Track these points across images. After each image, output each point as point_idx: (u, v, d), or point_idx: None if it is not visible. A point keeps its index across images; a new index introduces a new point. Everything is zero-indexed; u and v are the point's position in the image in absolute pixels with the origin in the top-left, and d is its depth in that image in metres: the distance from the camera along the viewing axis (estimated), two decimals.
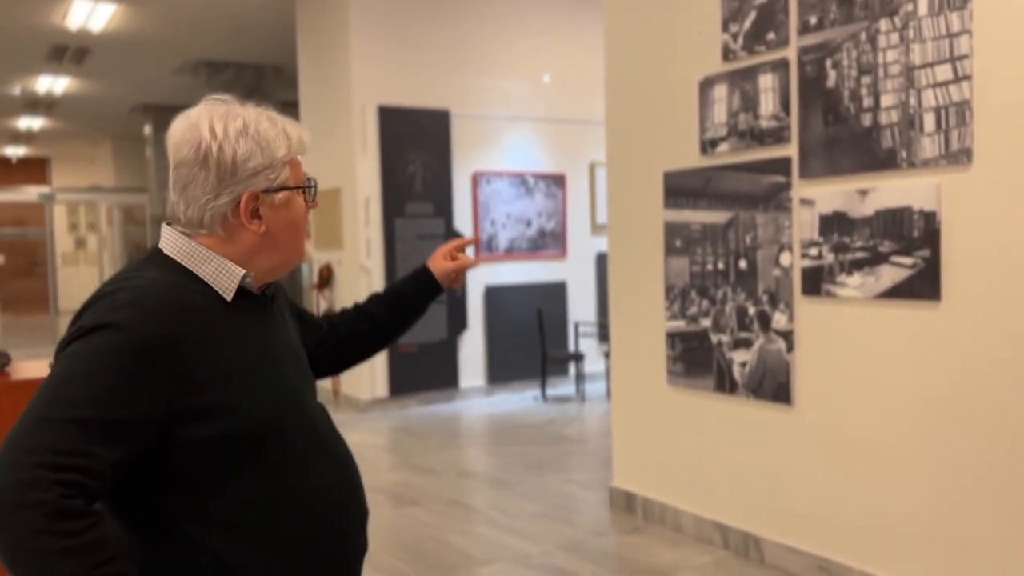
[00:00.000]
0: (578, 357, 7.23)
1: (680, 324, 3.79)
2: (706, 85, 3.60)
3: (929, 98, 2.77)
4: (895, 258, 2.89)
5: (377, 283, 6.74)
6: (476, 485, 4.79)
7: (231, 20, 8.57)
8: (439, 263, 1.74)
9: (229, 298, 1.26)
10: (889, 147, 2.89)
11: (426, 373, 6.99)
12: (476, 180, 7.23)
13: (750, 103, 3.41)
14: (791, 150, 3.25)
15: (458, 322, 7.14)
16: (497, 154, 7.36)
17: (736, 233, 3.50)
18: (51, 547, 1.01)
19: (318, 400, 1.43)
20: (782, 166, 3.28)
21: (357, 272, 6.74)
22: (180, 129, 1.25)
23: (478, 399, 7.20)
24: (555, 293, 7.67)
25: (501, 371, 7.40)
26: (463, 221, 7.17)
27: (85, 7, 7.80)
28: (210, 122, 1.24)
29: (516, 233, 7.47)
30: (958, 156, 2.70)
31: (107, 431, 1.08)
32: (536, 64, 7.46)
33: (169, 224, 1.29)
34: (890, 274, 2.91)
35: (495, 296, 7.33)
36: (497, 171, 7.35)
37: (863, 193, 2.98)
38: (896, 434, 2.93)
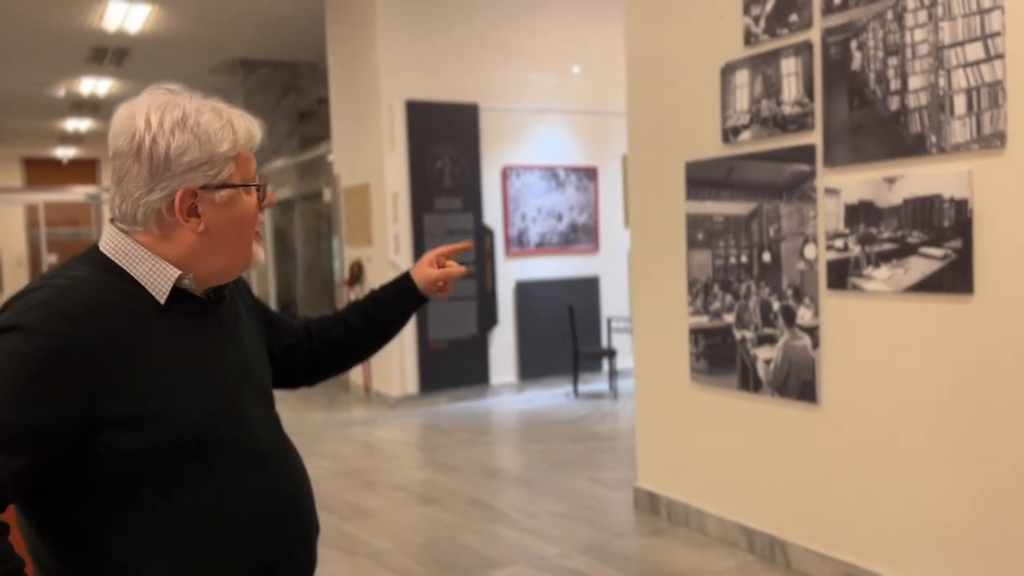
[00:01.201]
0: (611, 353, 7.11)
1: (703, 320, 3.66)
2: (728, 71, 3.46)
3: (960, 79, 2.60)
4: (925, 249, 2.73)
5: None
6: (499, 483, 4.71)
7: (263, 18, 8.62)
8: (423, 270, 1.60)
9: (162, 300, 1.18)
10: (918, 132, 2.73)
11: (456, 369, 6.94)
12: (506, 174, 7.15)
13: (773, 89, 3.26)
14: (815, 137, 3.10)
15: (489, 318, 7.07)
16: (527, 147, 7.26)
17: (759, 225, 3.36)
18: None
19: (272, 409, 1.35)
20: (806, 154, 3.13)
21: (386, 268, 6.71)
22: (119, 119, 1.19)
23: (509, 396, 7.13)
24: (588, 288, 7.55)
25: (533, 367, 7.31)
26: (493, 216, 7.09)
27: (121, 8, 7.91)
28: (147, 112, 1.17)
29: (547, 227, 7.37)
30: (991, 140, 2.53)
31: (11, 438, 1.02)
32: (565, 55, 7.34)
33: (112, 221, 1.22)
34: (920, 266, 2.75)
35: (526, 291, 7.24)
36: (527, 164, 7.25)
37: (891, 181, 2.82)
38: (927, 435, 2.77)
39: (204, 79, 11.24)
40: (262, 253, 1.30)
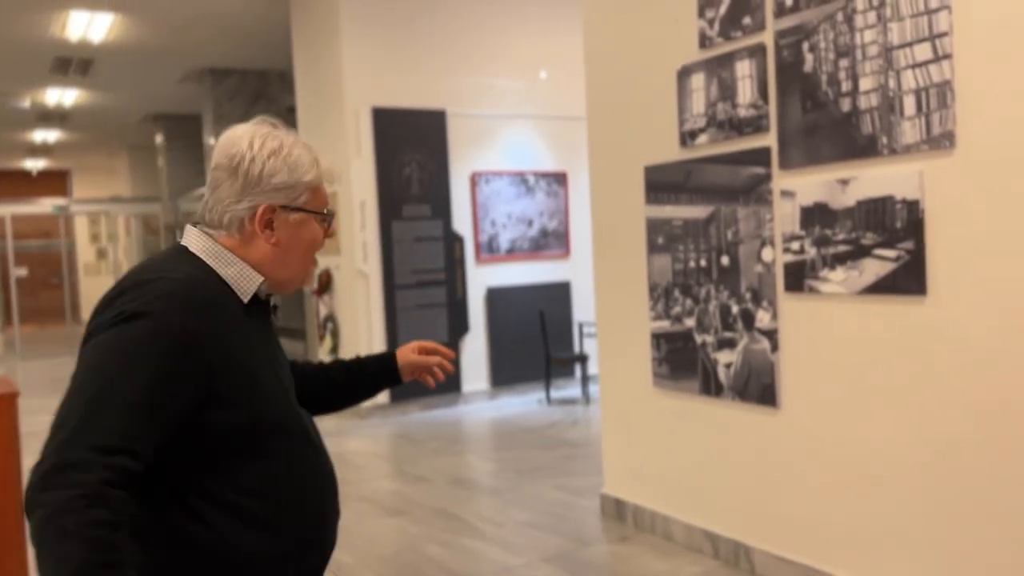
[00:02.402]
0: (582, 358, 7.08)
1: (664, 324, 3.63)
2: (684, 74, 3.44)
3: (909, 80, 2.60)
4: (878, 251, 2.72)
5: (375, 288, 6.66)
6: (467, 493, 4.66)
7: (230, 26, 8.55)
8: (407, 354, 1.74)
9: (246, 300, 1.37)
10: (869, 133, 2.72)
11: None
12: (475, 180, 7.11)
13: (728, 92, 3.25)
14: (770, 139, 3.09)
15: (459, 325, 7.02)
16: (496, 153, 7.23)
17: (717, 228, 3.35)
18: (70, 527, 1.06)
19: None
20: (761, 156, 3.12)
21: (355, 277, 6.65)
22: (226, 138, 1.39)
23: (481, 403, 7.08)
24: (559, 293, 7.53)
25: (505, 374, 7.27)
26: (462, 222, 7.05)
27: (83, 18, 7.80)
28: (251, 138, 1.37)
29: (517, 233, 7.34)
30: (940, 140, 2.52)
31: (153, 416, 1.18)
32: (532, 60, 7.33)
33: (195, 225, 1.40)
34: (874, 268, 2.74)
35: (497, 298, 7.20)
36: (496, 170, 7.22)
37: (844, 183, 2.82)
38: (886, 437, 2.76)
39: (173, 88, 11.13)
40: (313, 277, 1.52)
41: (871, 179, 2.73)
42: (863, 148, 2.74)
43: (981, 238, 2.45)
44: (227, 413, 1.28)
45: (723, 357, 3.35)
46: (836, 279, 2.87)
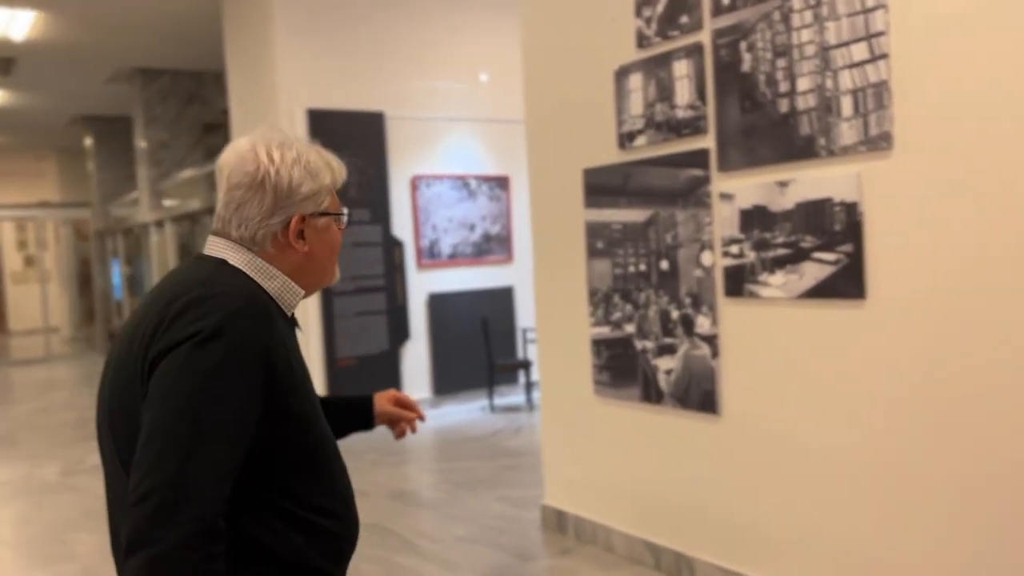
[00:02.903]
0: (526, 364, 6.98)
1: (604, 330, 3.55)
2: (621, 75, 3.37)
3: (846, 80, 2.55)
4: (817, 254, 2.67)
5: (311, 295, 6.44)
6: (405, 507, 4.51)
7: (160, 25, 8.25)
8: (384, 403, 1.75)
9: (290, 314, 1.39)
10: (807, 134, 2.67)
11: (367, 386, 6.69)
12: (415, 184, 6.96)
13: (666, 92, 3.17)
14: (709, 141, 3.02)
15: (400, 332, 6.86)
16: (436, 157, 7.09)
17: (657, 232, 3.27)
18: (190, 566, 1.11)
19: None
20: (700, 158, 3.05)
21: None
22: (235, 154, 1.36)
23: (424, 411, 6.91)
24: (502, 299, 7.42)
25: (447, 382, 7.13)
26: (402, 227, 6.90)
27: (2, 15, 7.44)
28: (267, 149, 1.35)
29: (459, 238, 7.21)
30: (878, 142, 2.48)
31: (235, 433, 1.20)
32: (474, 63, 7.21)
33: (217, 236, 1.37)
34: (813, 272, 2.69)
35: (439, 304, 7.06)
36: (437, 174, 7.09)
37: (783, 185, 2.76)
38: (828, 443, 2.71)
39: (101, 89, 10.73)
40: (338, 272, 1.51)
41: (809, 181, 2.67)
42: (801, 149, 2.69)
43: (919, 241, 2.41)
44: (297, 426, 1.30)
45: (663, 364, 3.27)
46: (776, 283, 2.81)
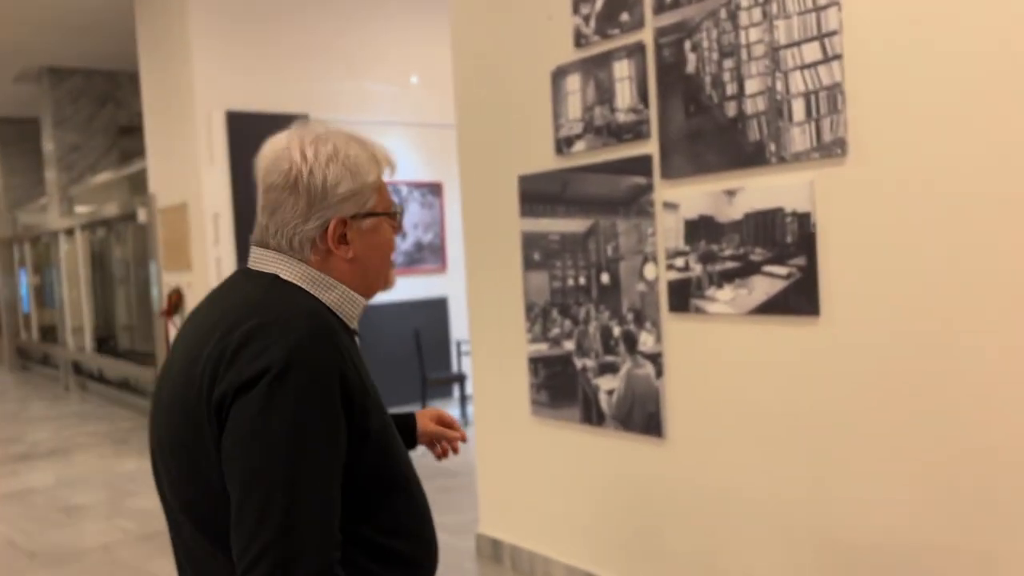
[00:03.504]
0: (461, 378, 6.73)
1: (542, 347, 3.33)
2: (558, 76, 3.16)
3: (797, 82, 2.39)
4: (768, 267, 2.50)
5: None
6: None
7: (70, 21, 7.76)
8: (426, 422, 1.67)
9: (354, 325, 1.29)
10: (757, 140, 2.50)
11: None
12: None
13: (606, 95, 2.98)
14: (651, 147, 2.84)
15: None
16: None
17: (597, 243, 3.07)
18: None
19: None
20: (642, 165, 2.87)
21: None
22: (270, 151, 1.27)
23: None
24: (435, 310, 7.16)
25: None
26: None
27: None
28: (301, 146, 1.25)
29: None
30: (831, 148, 2.32)
31: (338, 473, 1.13)
32: (405, 64, 6.95)
33: (259, 246, 1.27)
34: (763, 286, 2.52)
35: (369, 315, 6.73)
36: None
37: (730, 194, 2.59)
38: (776, 468, 2.54)
39: (7, 89, 10.09)
40: (394, 276, 1.38)
41: (759, 190, 2.51)
42: (750, 156, 2.52)
43: (876, 253, 2.26)
44: (374, 449, 1.21)
45: (605, 383, 3.07)
46: (723, 298, 2.63)
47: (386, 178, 1.34)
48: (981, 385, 2.07)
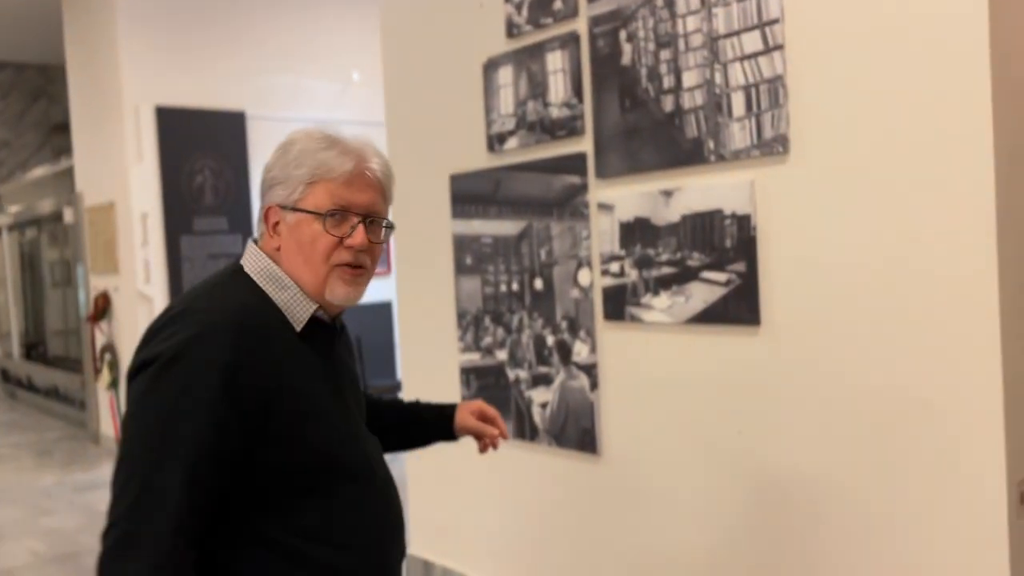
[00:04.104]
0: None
1: (474, 357, 3.13)
2: (490, 68, 2.97)
3: (737, 74, 2.23)
4: (706, 274, 2.33)
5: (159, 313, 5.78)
6: None
7: None
8: (466, 416, 1.69)
9: (298, 328, 1.29)
10: (694, 136, 2.33)
11: None
12: None
13: (539, 88, 2.79)
14: (586, 144, 2.66)
15: None
16: None
17: (530, 247, 2.88)
18: None
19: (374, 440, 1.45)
20: (576, 164, 2.68)
21: (136, 301, 5.75)
22: None
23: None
24: (379, 315, 6.92)
25: None
26: None
27: None
28: (291, 135, 1.37)
29: None
30: (772, 145, 2.16)
31: (211, 467, 1.16)
32: (345, 60, 6.70)
33: (255, 241, 1.36)
34: (701, 293, 2.35)
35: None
36: None
37: (667, 194, 2.41)
38: (719, 486, 2.37)
39: None
40: (345, 291, 1.32)
41: (697, 190, 2.34)
42: (688, 154, 2.35)
43: (820, 259, 2.10)
44: (278, 451, 1.22)
45: (538, 396, 2.88)
46: (660, 306, 2.46)
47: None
48: (927, 399, 1.92)
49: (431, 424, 1.70)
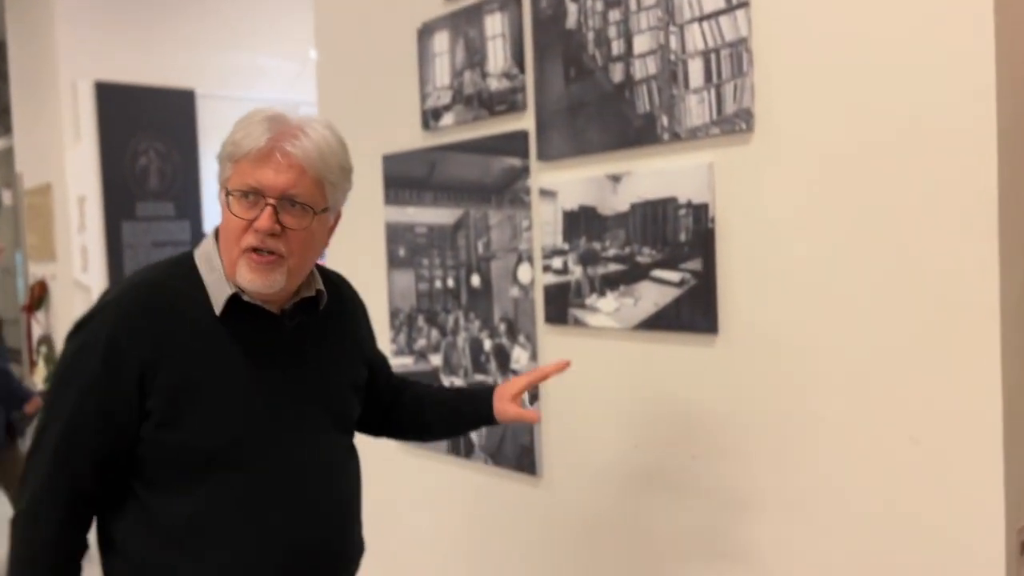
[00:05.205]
0: None
1: (407, 361, 2.79)
2: (425, 34, 2.62)
3: (695, 37, 1.89)
4: (657, 272, 2.00)
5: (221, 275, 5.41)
6: None
7: None
8: (504, 403, 1.66)
9: (217, 312, 1.30)
10: (646, 111, 1.99)
11: None
12: None
13: (477, 56, 2.45)
14: (527, 121, 2.31)
15: None
16: None
17: (467, 238, 2.54)
18: (35, 557, 1.25)
19: (338, 436, 1.48)
20: (516, 143, 2.34)
21: (73, 290, 5.38)
22: None
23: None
24: None
25: None
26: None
27: None
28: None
29: None
30: (734, 121, 1.82)
31: (84, 434, 1.24)
32: (303, 37, 6.31)
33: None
34: (652, 295, 2.02)
35: None
36: None
37: (615, 180, 2.08)
38: (670, 514, 2.04)
39: None
40: (250, 278, 1.30)
41: (648, 174, 2.00)
42: (638, 132, 2.01)
43: (788, 257, 1.77)
44: (157, 428, 1.24)
45: None
46: (606, 309, 2.12)
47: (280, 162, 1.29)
48: (916, 436, 1.59)
49: (470, 422, 1.73)
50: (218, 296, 1.31)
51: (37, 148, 5.77)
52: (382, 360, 1.76)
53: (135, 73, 5.56)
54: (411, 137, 2.71)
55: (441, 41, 2.56)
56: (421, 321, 2.72)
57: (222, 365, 1.29)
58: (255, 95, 6.08)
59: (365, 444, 2.96)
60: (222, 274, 1.32)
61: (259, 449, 1.30)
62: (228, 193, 1.30)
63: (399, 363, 2.81)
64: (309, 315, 1.43)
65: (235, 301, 1.32)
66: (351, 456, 1.57)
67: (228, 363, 1.29)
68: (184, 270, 1.33)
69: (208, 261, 1.34)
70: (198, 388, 1.26)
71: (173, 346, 1.25)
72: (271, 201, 1.29)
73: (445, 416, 1.74)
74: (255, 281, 1.30)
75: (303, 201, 1.33)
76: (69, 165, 5.34)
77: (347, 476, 1.50)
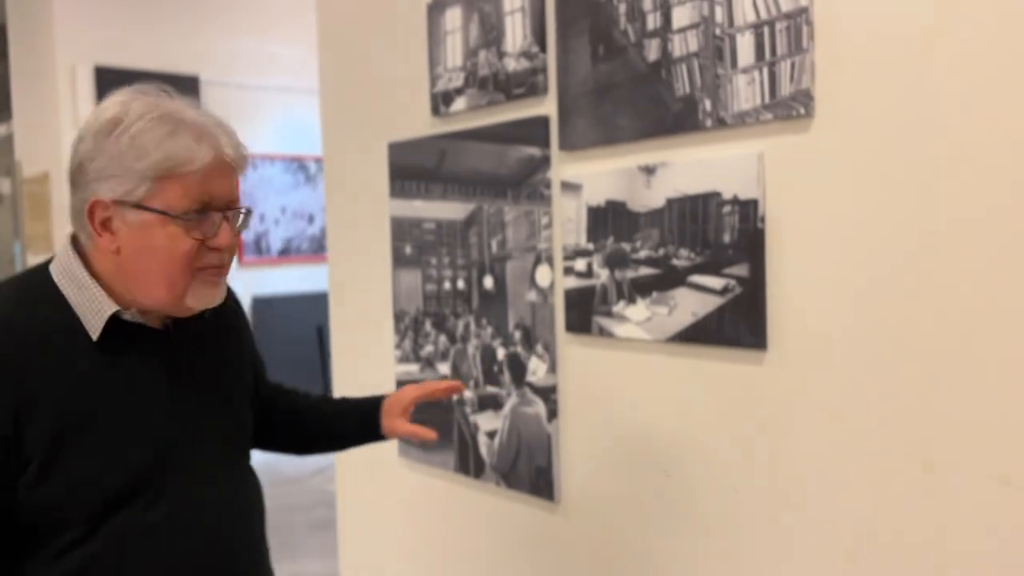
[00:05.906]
0: None
1: (412, 368, 2.56)
2: (435, 10, 2.38)
3: (745, 8, 1.64)
4: (697, 278, 1.75)
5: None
6: None
7: None
8: (393, 420, 1.60)
9: (94, 337, 1.16)
10: (686, 94, 1.75)
11: None
12: None
13: (493, 34, 2.20)
14: (548, 106, 2.07)
15: None
16: (267, 133, 5.96)
17: (480, 235, 2.30)
18: None
19: (238, 456, 1.36)
20: (536, 131, 2.10)
21: None
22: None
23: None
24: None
25: None
26: None
27: None
28: (101, 109, 1.18)
29: (294, 231, 6.10)
30: (791, 105, 1.58)
31: None
32: (310, 23, 6.09)
33: (74, 239, 1.22)
34: (690, 303, 1.77)
35: (266, 309, 5.92)
36: (267, 154, 5.95)
37: (649, 171, 1.83)
38: (704, 562, 1.80)
39: None
40: (212, 294, 1.21)
41: (687, 166, 1.75)
42: (676, 118, 1.77)
43: (849, 263, 1.52)
44: (45, 480, 1.09)
45: (485, 422, 2.31)
46: (636, 318, 1.88)
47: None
48: (1004, 475, 1.35)
49: (356, 435, 1.63)
50: (93, 318, 1.16)
51: (35, 136, 5.58)
52: (261, 361, 1.59)
53: (137, 58, 5.35)
54: (419, 123, 2.47)
55: (453, 17, 2.31)
56: (428, 325, 2.49)
57: (108, 394, 1.15)
58: (262, 82, 5.88)
59: (363, 457, 2.74)
60: (97, 292, 1.16)
61: (158, 482, 1.19)
62: (165, 214, 1.13)
63: (403, 370, 2.58)
64: (194, 321, 1.28)
65: (112, 322, 1.17)
66: (252, 477, 1.42)
67: (115, 391, 1.16)
68: (42, 293, 1.16)
69: (73, 279, 1.17)
70: (83, 425, 1.12)
71: (49, 383, 1.10)
72: (227, 214, 1.19)
73: (328, 431, 1.64)
74: (216, 296, 1.21)
75: (238, 203, 1.24)
76: (67, 152, 5.13)
77: (251, 501, 1.38)
